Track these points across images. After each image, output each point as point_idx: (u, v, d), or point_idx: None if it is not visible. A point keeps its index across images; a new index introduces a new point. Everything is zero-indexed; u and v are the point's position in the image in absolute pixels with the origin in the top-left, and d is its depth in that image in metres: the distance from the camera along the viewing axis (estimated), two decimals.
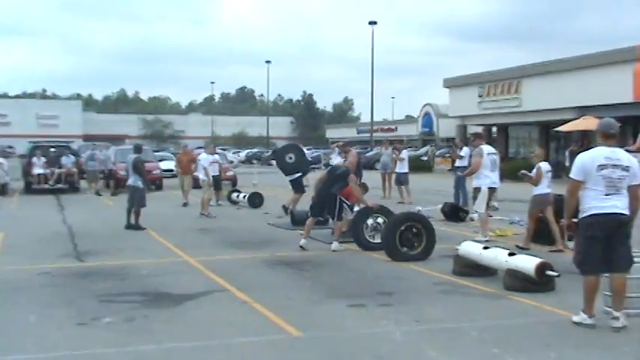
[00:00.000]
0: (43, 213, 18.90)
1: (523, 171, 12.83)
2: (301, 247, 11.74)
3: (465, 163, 18.40)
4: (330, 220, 12.61)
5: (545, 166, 11.89)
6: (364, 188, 14.29)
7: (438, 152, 45.90)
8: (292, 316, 7.13)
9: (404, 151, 23.09)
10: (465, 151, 19.02)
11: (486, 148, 13.15)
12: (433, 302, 7.91)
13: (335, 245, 11.77)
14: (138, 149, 16.22)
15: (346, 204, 12.25)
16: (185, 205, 20.06)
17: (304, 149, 21.86)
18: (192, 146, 24.80)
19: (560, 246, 11.37)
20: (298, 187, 16.96)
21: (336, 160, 19.61)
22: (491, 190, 13.03)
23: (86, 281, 9.26)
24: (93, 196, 25.06)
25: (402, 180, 21.61)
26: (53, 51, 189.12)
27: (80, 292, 8.57)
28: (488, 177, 12.85)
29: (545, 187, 11.74)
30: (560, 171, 28.26)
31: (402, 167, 21.87)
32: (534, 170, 11.90)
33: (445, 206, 16.35)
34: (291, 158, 17.37)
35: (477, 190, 12.88)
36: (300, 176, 17.18)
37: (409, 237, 10.73)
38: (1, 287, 8.86)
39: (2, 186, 25.80)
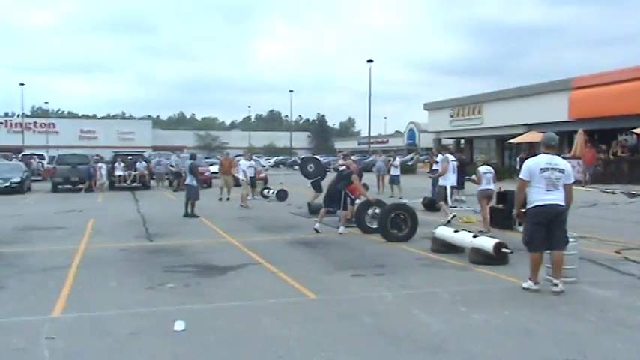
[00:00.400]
0: (123, 205, 18.99)
1: (467, 177, 13.50)
2: (315, 230, 11.73)
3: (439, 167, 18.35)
4: (338, 210, 12.57)
5: (483, 169, 12.11)
6: (365, 187, 14.29)
7: (421, 158, 45.57)
8: (309, 283, 7.12)
9: (397, 158, 22.95)
10: (440, 158, 18.93)
11: (450, 157, 13.46)
12: (415, 272, 7.88)
13: (342, 229, 11.74)
14: (193, 157, 16.33)
15: (350, 198, 12.23)
16: (220, 199, 19.64)
17: (319, 158, 21.92)
18: (232, 154, 24.71)
19: (486, 228, 11.57)
20: (317, 187, 16.94)
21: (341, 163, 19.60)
22: (453, 187, 13.38)
23: (154, 256, 9.30)
24: (160, 192, 25.16)
25: (395, 180, 21.36)
26: (130, 83, 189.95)
27: (150, 264, 8.60)
28: (450, 178, 13.23)
29: (485, 185, 11.90)
30: (512, 173, 28.11)
31: (396, 171, 21.68)
32: (476, 174, 12.23)
33: (425, 200, 16.27)
34: (311, 167, 17.55)
35: (443, 188, 13.10)
36: (319, 179, 17.20)
37: (398, 222, 10.69)
38: (91, 260, 8.91)
39: (102, 184, 26.05)
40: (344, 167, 13.39)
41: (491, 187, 12.03)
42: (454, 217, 12.92)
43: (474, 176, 12.49)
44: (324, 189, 13.81)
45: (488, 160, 13.60)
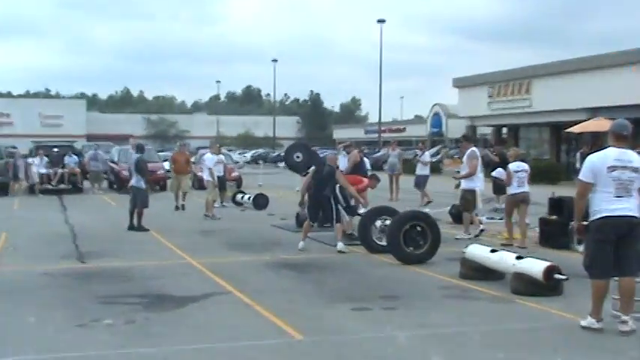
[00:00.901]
0: (46, 213, 18.94)
1: (493, 173, 13.75)
2: (300, 249, 11.85)
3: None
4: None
5: (514, 166, 12.45)
6: (376, 179, 14.48)
7: (450, 153, 45.52)
8: (295, 320, 7.12)
9: (426, 152, 22.61)
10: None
11: (479, 151, 13.91)
12: (438, 306, 7.91)
13: (340, 245, 11.80)
14: (140, 149, 16.18)
15: (342, 205, 12.34)
16: (177, 208, 19.62)
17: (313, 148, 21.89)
18: (193, 146, 24.56)
19: (522, 242, 12.16)
20: None
21: (343, 161, 19.54)
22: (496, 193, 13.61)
23: (87, 283, 9.28)
24: (96, 196, 25.13)
25: (420, 182, 21.04)
26: (57, 49, 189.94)
27: (80, 293, 8.59)
28: (479, 179, 13.51)
29: (516, 187, 12.31)
30: (571, 173, 28.22)
31: (424, 169, 21.40)
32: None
33: (453, 209, 16.26)
34: (298, 157, 17.41)
35: (470, 192, 13.22)
36: None
37: (413, 236, 10.73)
38: (2, 288, 8.89)
39: (32, 186, 25.93)
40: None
41: (526, 189, 12.34)
42: (482, 231, 13.27)
43: (497, 172, 12.81)
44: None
45: (523, 155, 13.81)
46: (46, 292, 8.70)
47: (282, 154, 30.29)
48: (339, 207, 12.23)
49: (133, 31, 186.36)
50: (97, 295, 8.39)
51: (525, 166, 12.65)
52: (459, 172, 14.32)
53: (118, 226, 15.45)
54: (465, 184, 13.48)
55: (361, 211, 13.36)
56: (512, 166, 12.51)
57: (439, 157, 45.56)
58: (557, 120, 35.80)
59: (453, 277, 9.49)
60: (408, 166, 26.94)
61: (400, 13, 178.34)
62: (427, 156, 22.22)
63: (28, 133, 65.78)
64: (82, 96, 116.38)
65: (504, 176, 12.98)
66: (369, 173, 16.09)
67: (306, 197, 12.72)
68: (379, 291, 8.69)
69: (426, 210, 16.31)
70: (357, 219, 12.75)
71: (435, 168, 41.72)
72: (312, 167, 16.46)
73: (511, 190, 12.44)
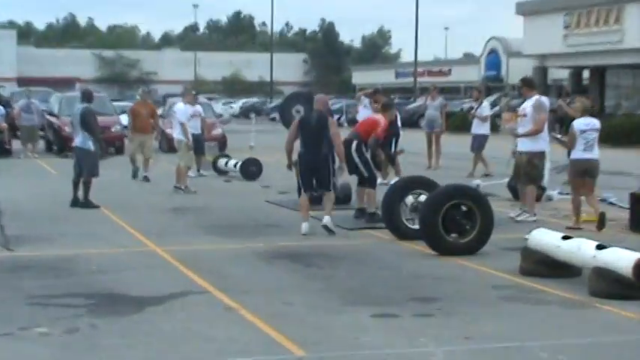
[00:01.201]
0: None
1: (553, 134, 13.84)
2: (304, 234, 11.97)
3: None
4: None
5: (580, 123, 12.46)
6: (389, 107, 14.49)
7: (512, 103, 45.28)
8: (294, 329, 7.14)
9: (485, 104, 22.37)
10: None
11: (547, 101, 13.85)
12: (490, 312, 7.91)
13: (327, 219, 11.98)
14: (87, 96, 16.16)
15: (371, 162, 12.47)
16: (136, 176, 19.82)
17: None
18: (162, 93, 24.55)
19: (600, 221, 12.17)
20: None
21: (364, 112, 19.43)
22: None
23: (14, 277, 9.33)
24: (29, 161, 25.14)
25: (478, 143, 21.04)
26: None
27: (6, 292, 8.59)
28: (547, 139, 13.59)
29: (581, 151, 12.37)
30: None
31: (482, 127, 21.35)
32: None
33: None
34: (298, 112, 17.39)
35: (538, 156, 13.16)
36: None
37: (457, 218, 10.72)
38: None
39: None
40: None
41: (594, 156, 12.37)
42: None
43: (559, 134, 12.92)
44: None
45: (592, 107, 13.69)
46: None
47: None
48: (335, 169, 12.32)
49: None
50: (28, 295, 8.41)
51: (596, 123, 12.54)
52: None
53: (57, 200, 15.56)
54: (528, 145, 13.25)
55: (391, 181, 13.37)
56: (579, 123, 12.45)
57: (497, 109, 45.27)
58: None
59: (510, 273, 9.49)
60: (454, 122, 26.72)
61: None
62: (486, 108, 21.97)
63: None
64: (11, 25, 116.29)
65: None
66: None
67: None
68: (410, 291, 8.69)
69: (478, 182, 16.33)
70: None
71: (492, 125, 41.73)
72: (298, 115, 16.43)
73: (574, 154, 12.46)
